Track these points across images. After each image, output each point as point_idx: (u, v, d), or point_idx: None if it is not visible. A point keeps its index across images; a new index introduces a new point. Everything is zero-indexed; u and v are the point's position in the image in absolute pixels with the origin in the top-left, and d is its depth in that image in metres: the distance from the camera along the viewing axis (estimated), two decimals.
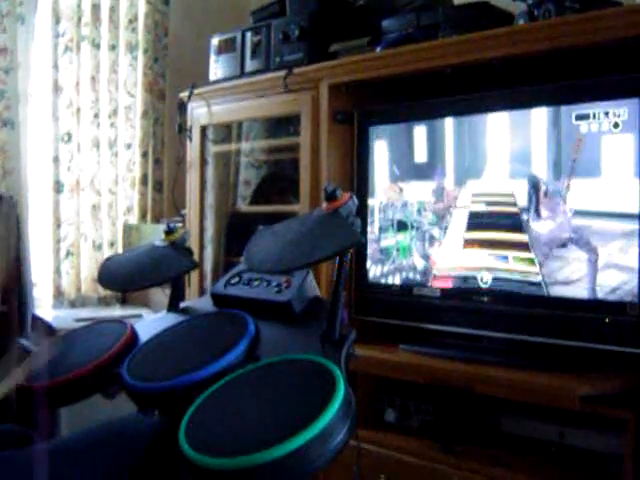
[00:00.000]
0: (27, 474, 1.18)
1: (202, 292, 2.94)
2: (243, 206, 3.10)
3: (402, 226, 2.36)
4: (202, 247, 3.01)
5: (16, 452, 1.27)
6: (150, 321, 1.62)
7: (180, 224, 2.84)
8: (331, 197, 1.31)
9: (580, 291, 1.94)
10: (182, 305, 1.63)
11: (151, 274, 1.59)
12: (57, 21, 3.24)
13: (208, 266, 3.03)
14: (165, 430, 1.27)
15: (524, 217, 2.06)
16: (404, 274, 2.35)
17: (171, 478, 1.26)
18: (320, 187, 2.39)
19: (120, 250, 3.43)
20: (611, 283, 1.88)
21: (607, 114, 1.89)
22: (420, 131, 2.33)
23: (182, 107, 3.02)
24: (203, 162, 3.01)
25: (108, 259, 1.74)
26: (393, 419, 2.30)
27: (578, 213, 1.95)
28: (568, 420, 1.98)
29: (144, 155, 3.54)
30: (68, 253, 3.33)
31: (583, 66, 2.02)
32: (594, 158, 1.92)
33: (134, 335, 1.46)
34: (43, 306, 3.27)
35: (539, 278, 2.02)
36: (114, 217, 3.48)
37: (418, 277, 2.31)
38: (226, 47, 2.84)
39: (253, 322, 1.35)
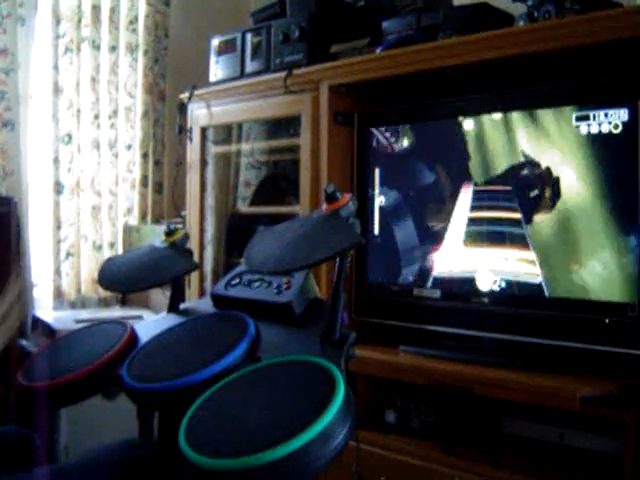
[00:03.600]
0: None
1: (202, 293, 2.94)
2: (243, 207, 3.10)
3: (402, 227, 2.36)
4: (202, 248, 3.01)
5: (17, 475, 1.27)
6: (150, 322, 1.62)
7: (180, 225, 2.84)
8: (331, 198, 1.32)
9: (580, 292, 1.94)
10: (182, 306, 1.63)
11: (151, 275, 1.59)
12: (57, 22, 3.24)
13: (208, 267, 3.03)
14: (160, 455, 1.27)
15: (524, 218, 2.05)
16: (404, 275, 2.35)
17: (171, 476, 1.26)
18: (320, 188, 2.39)
19: (120, 251, 3.43)
20: (611, 284, 1.88)
21: (607, 115, 1.89)
22: (420, 132, 2.33)
23: (182, 108, 3.02)
24: (203, 163, 3.01)
25: (108, 260, 1.74)
26: (393, 420, 2.30)
27: (578, 214, 1.95)
28: (568, 421, 1.98)
29: (144, 156, 3.54)
30: (68, 254, 3.33)
31: (583, 67, 2.02)
32: (594, 159, 1.92)
33: (134, 336, 1.46)
34: (43, 307, 3.27)
35: (539, 279, 2.02)
36: (114, 218, 3.48)
37: (418, 278, 2.30)
38: (226, 48, 2.84)
39: (253, 323, 1.35)
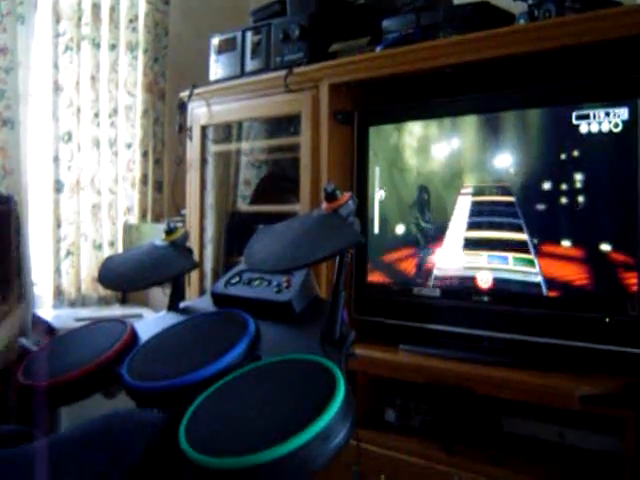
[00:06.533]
0: (26, 471, 1.18)
1: (202, 292, 2.94)
2: (243, 206, 3.10)
3: (402, 226, 2.36)
4: (202, 247, 3.01)
5: (15, 449, 1.27)
6: (150, 321, 1.62)
7: (180, 224, 2.84)
8: (331, 197, 1.31)
9: (580, 291, 1.94)
10: (182, 305, 1.63)
11: (151, 274, 1.59)
12: (57, 20, 3.24)
13: (208, 266, 3.03)
14: (165, 425, 1.27)
15: (524, 217, 2.05)
16: (404, 274, 2.35)
17: (171, 474, 1.26)
18: (320, 187, 2.39)
19: (120, 250, 3.43)
20: (611, 283, 1.88)
21: (607, 114, 1.89)
22: (420, 131, 2.33)
23: (182, 107, 3.02)
24: (203, 162, 3.01)
25: (108, 259, 1.74)
26: (393, 419, 2.30)
27: (578, 213, 1.95)
28: (568, 420, 1.98)
29: (144, 155, 3.54)
30: (68, 253, 3.33)
31: (583, 66, 2.02)
32: (594, 158, 1.92)
33: (134, 335, 1.46)
34: (43, 306, 3.27)
35: (539, 278, 2.02)
36: (114, 217, 3.48)
37: (418, 277, 2.31)
38: (226, 47, 2.84)
39: (253, 322, 1.35)
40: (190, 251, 1.67)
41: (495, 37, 2.04)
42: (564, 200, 1.97)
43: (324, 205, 1.33)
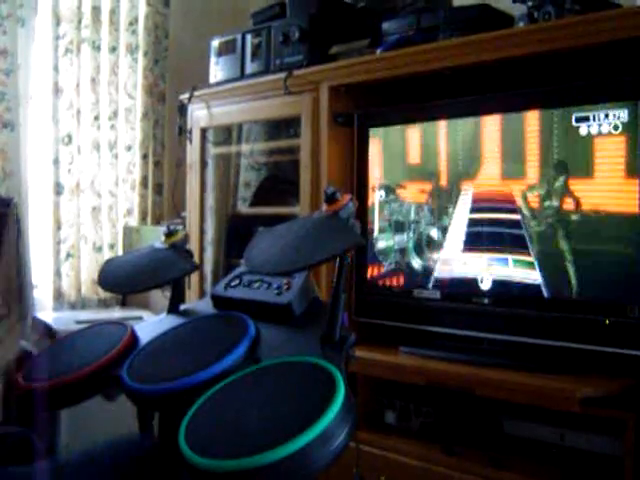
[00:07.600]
0: None
1: (202, 294, 2.94)
2: (243, 208, 3.11)
3: (402, 228, 2.36)
4: (202, 249, 3.01)
5: (16, 469, 1.27)
6: (150, 323, 1.62)
7: (180, 226, 2.83)
8: (331, 199, 1.32)
9: (580, 293, 1.94)
10: (182, 307, 1.63)
11: (151, 276, 1.59)
12: (57, 23, 3.24)
13: (208, 268, 3.03)
14: (161, 453, 1.27)
15: (523, 220, 2.05)
16: (404, 276, 2.35)
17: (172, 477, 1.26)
18: (320, 189, 2.39)
19: (120, 252, 3.43)
20: (611, 284, 1.88)
21: (607, 116, 1.89)
22: (420, 133, 2.33)
23: (182, 109, 3.02)
24: (203, 164, 3.01)
25: (108, 261, 1.74)
26: (393, 421, 2.30)
27: (577, 214, 1.95)
28: (569, 422, 1.98)
29: (144, 157, 3.54)
30: (68, 255, 3.33)
31: (583, 68, 2.02)
32: (593, 159, 1.92)
33: (134, 337, 1.46)
34: (43, 308, 3.27)
35: (539, 280, 2.02)
36: (114, 219, 3.48)
37: (418, 279, 2.30)
38: (226, 49, 2.85)
39: (253, 324, 1.35)
40: (190, 253, 1.67)
41: (495, 39, 2.04)
42: (564, 201, 1.97)
43: (324, 207, 1.33)
